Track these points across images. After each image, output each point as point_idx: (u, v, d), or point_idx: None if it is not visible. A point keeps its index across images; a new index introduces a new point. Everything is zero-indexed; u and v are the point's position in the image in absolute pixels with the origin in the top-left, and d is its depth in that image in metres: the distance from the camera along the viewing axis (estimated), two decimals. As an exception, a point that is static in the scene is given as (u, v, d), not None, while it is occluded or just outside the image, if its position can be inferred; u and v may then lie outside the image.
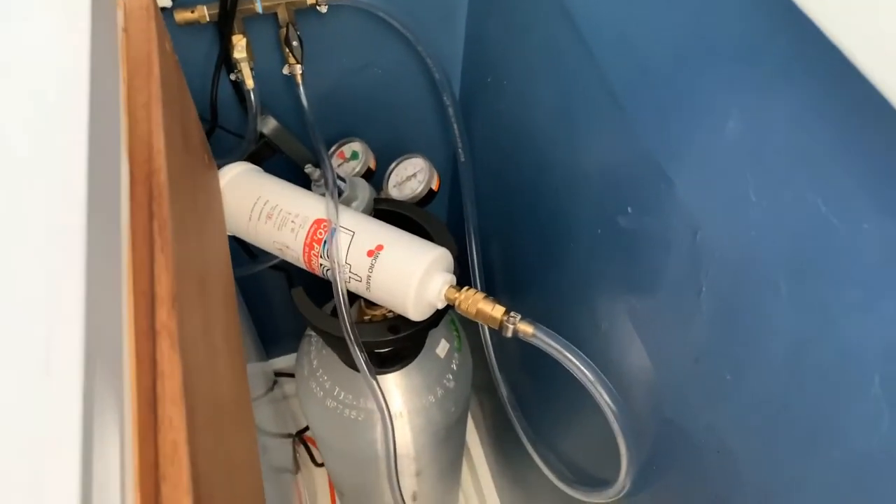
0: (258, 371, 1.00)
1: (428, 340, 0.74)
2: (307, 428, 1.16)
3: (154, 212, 0.36)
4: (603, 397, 0.52)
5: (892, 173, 0.28)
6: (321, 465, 1.20)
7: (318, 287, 0.64)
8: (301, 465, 1.23)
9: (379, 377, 0.72)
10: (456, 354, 0.77)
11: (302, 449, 1.21)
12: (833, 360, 0.33)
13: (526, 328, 0.53)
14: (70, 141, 0.30)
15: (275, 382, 1.17)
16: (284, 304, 1.15)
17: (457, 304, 0.55)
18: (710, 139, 0.39)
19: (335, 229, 0.57)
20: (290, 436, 1.14)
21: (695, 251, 0.42)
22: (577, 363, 0.52)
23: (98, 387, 0.25)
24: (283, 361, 1.24)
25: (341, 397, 0.72)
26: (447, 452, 0.85)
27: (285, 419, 1.17)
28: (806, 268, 0.33)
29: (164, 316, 0.32)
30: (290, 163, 0.76)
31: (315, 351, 0.76)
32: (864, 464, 0.32)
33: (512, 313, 0.54)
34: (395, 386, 0.72)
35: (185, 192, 0.43)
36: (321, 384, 0.73)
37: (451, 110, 0.76)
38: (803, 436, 0.36)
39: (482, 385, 1.13)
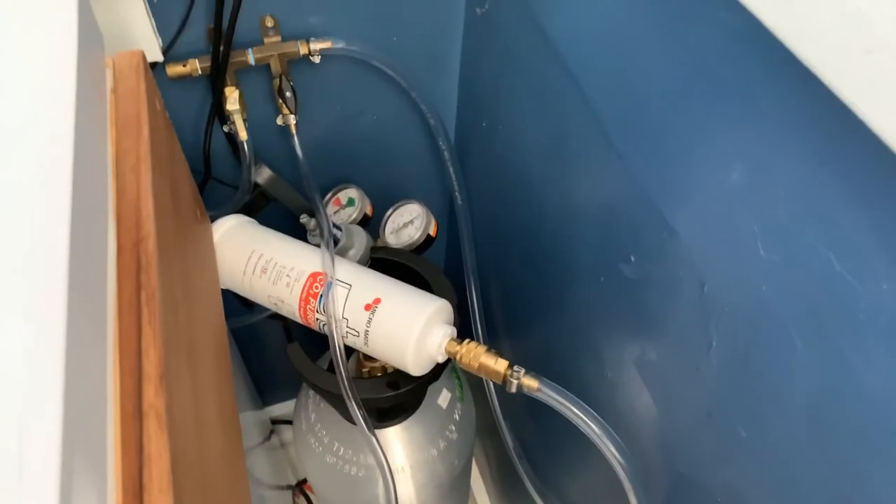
0: (253, 420, 0.97)
1: (429, 390, 0.72)
2: (306, 479, 1.13)
3: (142, 282, 0.35)
4: (611, 451, 0.50)
5: (909, 230, 0.27)
6: (322, 516, 1.16)
7: (317, 337, 0.62)
8: (301, 517, 1.19)
9: (379, 431, 0.70)
10: (458, 405, 0.75)
11: (302, 499, 1.17)
12: (857, 420, 0.31)
13: (531, 383, 0.51)
14: (52, 207, 0.28)
15: (272, 431, 1.14)
16: (281, 351, 1.13)
17: (458, 357, 0.54)
18: (713, 186, 0.38)
19: (331, 283, 0.55)
20: (289, 487, 1.11)
21: (703, 303, 0.41)
22: (584, 418, 0.50)
23: (78, 484, 0.24)
24: (281, 409, 1.21)
25: (341, 452, 0.69)
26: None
27: (283, 468, 1.14)
28: (823, 324, 0.32)
29: (152, 395, 0.30)
30: (285, 211, 0.75)
31: (313, 405, 0.74)
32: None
33: (515, 367, 0.52)
34: (396, 440, 0.70)
35: (175, 257, 0.41)
36: (320, 439, 0.71)
37: (446, 154, 0.76)
38: (827, 495, 0.34)
39: (486, 430, 1.11)
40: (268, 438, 1.06)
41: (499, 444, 0.90)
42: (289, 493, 1.11)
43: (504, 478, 1.06)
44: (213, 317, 0.54)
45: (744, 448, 0.40)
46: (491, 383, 0.78)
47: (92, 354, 0.29)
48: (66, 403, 0.23)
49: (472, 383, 0.82)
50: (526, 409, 0.80)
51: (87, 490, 0.25)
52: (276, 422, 1.18)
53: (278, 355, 1.16)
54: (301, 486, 1.13)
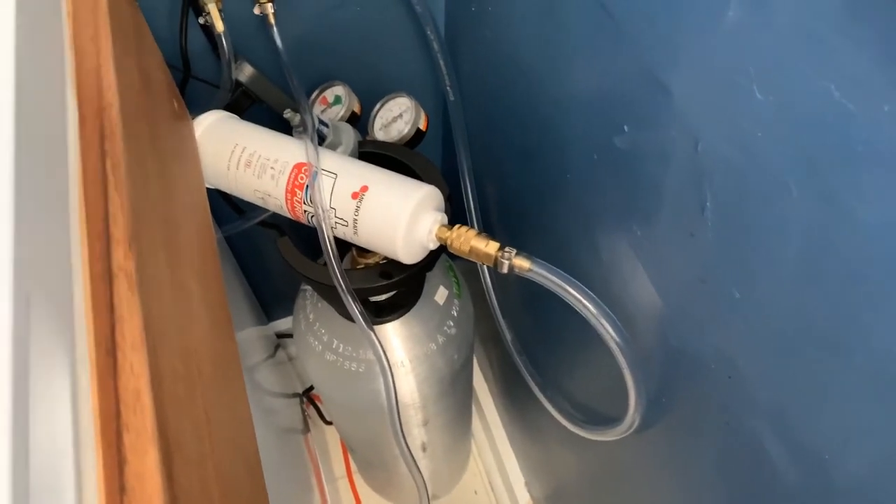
0: (259, 335, 0.98)
1: (426, 288, 0.72)
2: (313, 386, 1.16)
3: (107, 150, 0.33)
4: (607, 330, 0.50)
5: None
6: (330, 423, 1.20)
7: (314, 240, 0.61)
8: (311, 425, 1.22)
9: (377, 327, 0.70)
10: (456, 301, 0.75)
11: (311, 408, 1.20)
12: (850, 261, 0.30)
13: (522, 263, 0.50)
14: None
15: (277, 346, 1.16)
16: (281, 265, 1.13)
17: (449, 243, 0.53)
18: (707, 33, 0.35)
19: (316, 172, 0.54)
20: (296, 395, 1.13)
21: (697, 163, 0.39)
22: (578, 296, 0.49)
23: (38, 336, 0.23)
24: (286, 324, 1.22)
25: (340, 350, 0.70)
26: (453, 400, 0.84)
27: (291, 380, 1.16)
28: (819, 162, 0.30)
29: (121, 257, 0.30)
30: (271, 113, 0.73)
31: (311, 305, 0.74)
32: (889, 366, 0.30)
33: (507, 248, 0.51)
34: (394, 335, 0.70)
35: (145, 134, 0.40)
36: (319, 338, 0.71)
37: (435, 45, 0.72)
38: (819, 345, 0.34)
39: (488, 335, 1.11)
40: (272, 355, 1.08)
41: (501, 347, 0.91)
42: (297, 402, 1.14)
43: (507, 379, 1.08)
44: (198, 209, 0.53)
45: (737, 310, 0.40)
46: (489, 282, 0.78)
47: (49, 216, 0.28)
48: (15, 266, 0.22)
49: (472, 285, 0.82)
50: (524, 305, 0.80)
51: (51, 344, 0.24)
52: (281, 336, 1.20)
53: (280, 269, 1.16)
54: (308, 394, 1.16)
